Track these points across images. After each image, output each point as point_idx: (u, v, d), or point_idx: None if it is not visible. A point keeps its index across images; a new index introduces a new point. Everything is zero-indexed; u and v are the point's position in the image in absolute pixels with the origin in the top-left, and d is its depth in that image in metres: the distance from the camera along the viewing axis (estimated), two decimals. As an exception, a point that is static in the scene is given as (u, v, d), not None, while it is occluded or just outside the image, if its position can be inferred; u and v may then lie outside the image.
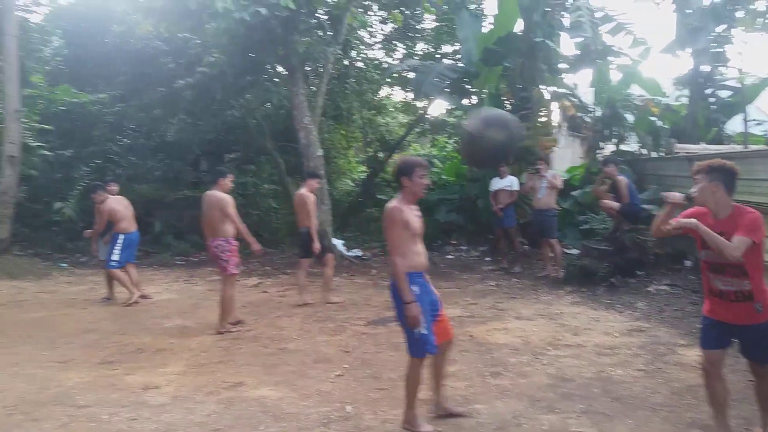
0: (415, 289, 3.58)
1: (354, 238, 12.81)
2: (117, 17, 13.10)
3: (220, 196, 6.35)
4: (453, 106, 14.78)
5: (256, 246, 6.67)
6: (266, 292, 8.60)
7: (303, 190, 7.61)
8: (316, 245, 7.37)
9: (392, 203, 3.68)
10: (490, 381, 4.59)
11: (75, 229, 12.30)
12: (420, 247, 3.75)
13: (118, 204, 8.06)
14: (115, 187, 8.53)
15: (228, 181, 6.51)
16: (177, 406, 4.16)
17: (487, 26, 13.19)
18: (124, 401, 4.28)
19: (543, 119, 11.33)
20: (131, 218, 8.15)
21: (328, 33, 11.91)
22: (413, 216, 3.71)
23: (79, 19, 14.79)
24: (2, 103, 12.08)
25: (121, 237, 7.94)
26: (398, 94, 17.36)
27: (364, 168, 16.83)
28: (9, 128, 11.38)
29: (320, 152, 11.15)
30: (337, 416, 3.97)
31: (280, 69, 12.89)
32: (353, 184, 16.24)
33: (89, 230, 8.48)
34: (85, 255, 12.13)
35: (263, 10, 9.01)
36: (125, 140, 14.13)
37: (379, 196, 14.70)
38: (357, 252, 11.35)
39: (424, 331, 3.54)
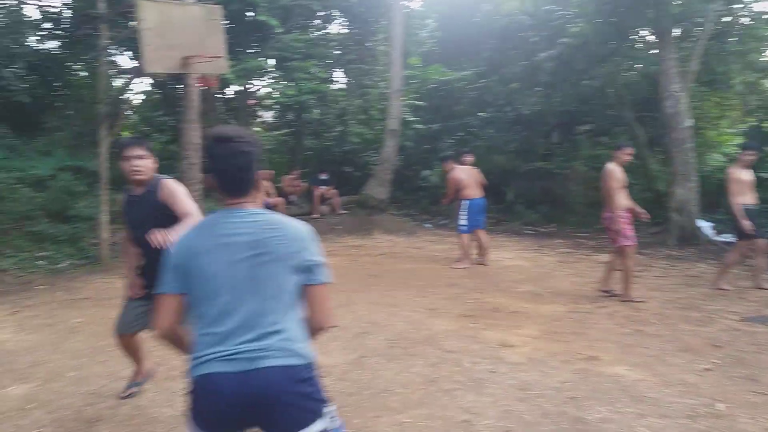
0: None
1: (725, 222, 11.23)
2: (485, -4, 13.92)
3: (607, 169, 6.33)
4: None
5: (643, 215, 6.49)
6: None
7: (734, 167, 6.94)
8: (745, 225, 6.65)
9: None
10: None
11: (438, 195, 13.72)
12: None
13: (462, 173, 8.59)
14: (470, 158, 9.09)
15: (622, 154, 6.35)
16: (532, 367, 4.31)
17: None
18: (483, 353, 4.62)
19: None
20: (476, 186, 8.55)
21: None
22: None
23: (451, 2, 16.17)
24: (387, 83, 14.08)
25: (466, 203, 8.48)
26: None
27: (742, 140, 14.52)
28: (392, 105, 13.19)
29: (690, 122, 10.03)
30: (706, 412, 3.58)
31: (646, 33, 11.95)
32: (725, 159, 14.19)
33: (444, 199, 9.26)
34: (446, 218, 13.47)
35: (635, -29, 8.44)
36: (484, 114, 15.02)
37: (761, 174, 12.55)
38: (728, 237, 9.93)
39: None
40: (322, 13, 15.00)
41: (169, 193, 3.11)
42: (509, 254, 9.64)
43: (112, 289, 7.07)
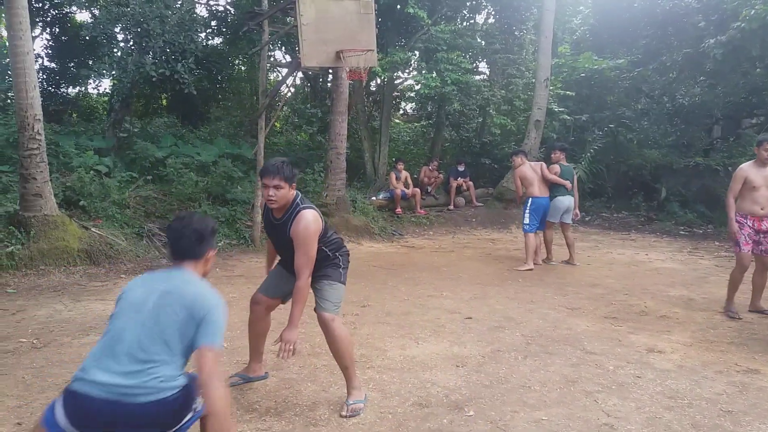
0: None
1: None
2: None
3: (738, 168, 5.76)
4: None
5: None
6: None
7: None
8: None
9: None
10: None
11: (583, 190, 13.12)
12: None
13: (528, 170, 8.08)
14: (557, 155, 8.48)
15: (760, 150, 5.63)
16: (682, 375, 4.03)
17: None
18: (628, 357, 4.39)
19: None
20: (541, 184, 8.04)
21: None
22: None
23: (608, -12, 15.32)
24: (533, 73, 13.68)
25: (529, 201, 8.01)
26: None
27: None
28: (538, 95, 12.81)
29: None
30: None
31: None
32: None
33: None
34: (588, 214, 12.89)
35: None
36: (639, 105, 14.09)
37: None
38: None
39: None
40: (470, 3, 14.90)
41: (296, 234, 3.16)
42: (661, 256, 9.03)
43: (263, 268, 7.60)
